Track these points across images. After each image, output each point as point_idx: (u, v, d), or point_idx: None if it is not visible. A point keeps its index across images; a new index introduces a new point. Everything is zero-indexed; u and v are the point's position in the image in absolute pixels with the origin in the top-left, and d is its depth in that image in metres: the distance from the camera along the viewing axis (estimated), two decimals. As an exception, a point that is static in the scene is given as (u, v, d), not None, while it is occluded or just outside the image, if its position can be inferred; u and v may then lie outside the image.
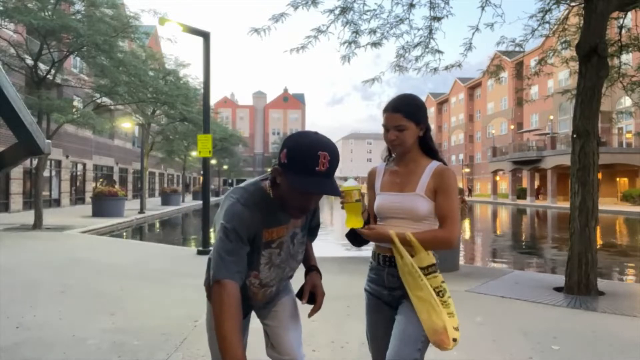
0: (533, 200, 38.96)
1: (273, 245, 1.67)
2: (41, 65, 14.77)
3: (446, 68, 8.11)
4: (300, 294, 1.90)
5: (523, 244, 15.60)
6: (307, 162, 1.47)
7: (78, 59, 19.65)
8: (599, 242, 12.17)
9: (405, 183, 1.95)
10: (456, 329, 1.78)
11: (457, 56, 9.29)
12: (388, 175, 2.03)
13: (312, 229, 1.97)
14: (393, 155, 2.05)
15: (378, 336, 2.00)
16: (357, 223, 1.83)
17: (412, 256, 1.81)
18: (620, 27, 8.15)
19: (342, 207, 1.84)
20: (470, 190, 51.30)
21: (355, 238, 2.00)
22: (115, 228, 15.79)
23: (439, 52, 7.70)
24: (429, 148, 1.99)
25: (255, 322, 2.01)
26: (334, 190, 1.52)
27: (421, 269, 1.78)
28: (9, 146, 2.42)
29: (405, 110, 1.91)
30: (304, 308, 1.93)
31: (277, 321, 1.89)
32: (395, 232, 1.81)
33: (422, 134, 1.96)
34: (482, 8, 7.22)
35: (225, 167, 54.27)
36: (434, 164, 1.95)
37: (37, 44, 14.66)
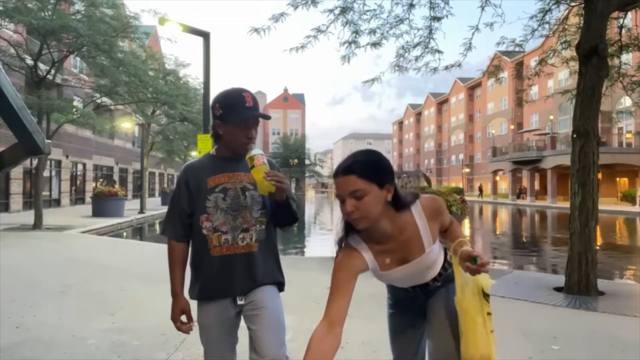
0: (533, 200, 38.97)
1: (216, 190, 1.94)
2: (41, 65, 14.75)
3: (446, 68, 8.10)
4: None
5: (523, 243, 15.60)
6: (238, 103, 1.89)
7: (78, 59, 19.64)
8: (599, 242, 12.17)
9: (407, 254, 1.66)
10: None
11: (457, 56, 9.30)
12: (377, 255, 1.65)
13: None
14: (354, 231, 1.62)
15: (403, 344, 1.95)
16: (270, 187, 1.81)
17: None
18: (620, 27, 8.14)
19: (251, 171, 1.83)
20: (480, 190, 50.78)
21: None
22: (115, 228, 15.78)
23: (439, 52, 7.69)
24: (400, 206, 1.61)
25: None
26: (265, 115, 1.97)
27: (484, 294, 1.66)
28: (9, 146, 2.41)
29: (361, 171, 1.49)
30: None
31: (258, 324, 1.90)
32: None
33: (392, 197, 1.56)
34: (482, 8, 7.22)
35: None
36: (416, 210, 1.64)
37: (37, 44, 14.65)
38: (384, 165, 1.55)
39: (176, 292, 1.97)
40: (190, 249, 2.01)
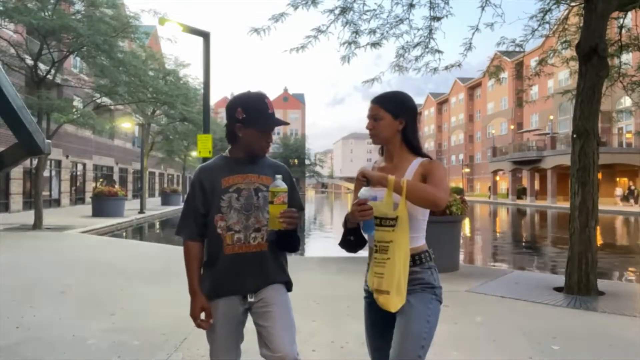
0: (533, 200, 38.97)
1: (230, 190, 1.99)
2: (41, 65, 14.76)
3: (446, 68, 8.10)
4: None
5: (523, 243, 15.60)
6: (262, 109, 1.99)
7: (78, 59, 19.65)
8: (599, 242, 12.17)
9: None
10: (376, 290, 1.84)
11: (457, 56, 9.31)
12: (376, 171, 2.01)
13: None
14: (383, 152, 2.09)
15: (376, 336, 1.99)
16: (280, 226, 1.88)
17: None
18: (620, 27, 8.14)
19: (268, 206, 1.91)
20: (493, 190, 49.23)
21: (349, 244, 1.96)
22: (115, 228, 15.79)
23: (439, 52, 7.69)
24: (411, 144, 1.99)
25: (250, 324, 2.02)
26: (284, 122, 2.07)
27: (376, 217, 1.79)
28: (9, 146, 2.42)
29: (383, 102, 1.98)
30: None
31: (270, 321, 1.94)
32: (394, 179, 1.80)
33: (402, 129, 1.98)
34: (482, 8, 7.22)
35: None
36: (421, 159, 1.97)
37: (37, 44, 14.66)
38: (402, 102, 2.00)
39: (195, 290, 2.01)
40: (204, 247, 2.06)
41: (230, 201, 1.97)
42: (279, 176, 1.94)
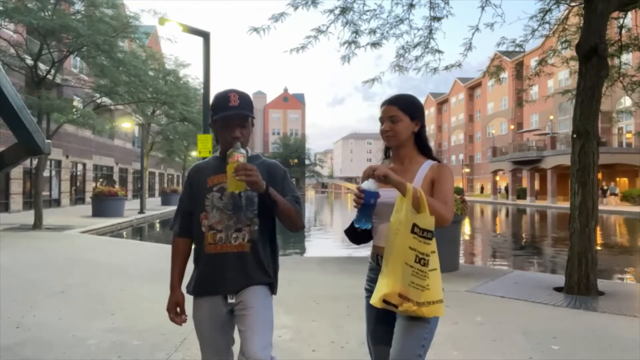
0: (533, 200, 38.97)
1: (214, 189, 1.99)
2: (41, 65, 14.75)
3: (446, 68, 8.11)
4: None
5: (522, 243, 15.60)
6: (222, 102, 1.96)
7: (78, 59, 19.63)
8: (599, 242, 12.17)
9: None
10: (409, 299, 1.74)
11: (457, 56, 9.33)
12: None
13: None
14: (390, 154, 2.10)
15: (378, 336, 1.99)
16: (240, 186, 1.81)
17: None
18: (620, 27, 8.14)
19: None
20: (506, 190, 48.58)
21: (354, 235, 2.00)
22: (115, 228, 15.79)
23: (439, 52, 7.70)
24: (424, 146, 2.03)
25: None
26: (240, 114, 1.95)
27: (419, 228, 1.74)
28: (9, 146, 2.42)
29: (401, 104, 2.00)
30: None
31: (246, 325, 1.91)
32: (412, 188, 1.77)
33: (417, 130, 2.01)
34: (482, 8, 7.23)
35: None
36: (431, 161, 1.98)
37: (37, 44, 14.66)
38: (418, 105, 2.04)
39: (173, 286, 2.07)
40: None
41: (213, 200, 1.98)
42: (238, 143, 1.91)
